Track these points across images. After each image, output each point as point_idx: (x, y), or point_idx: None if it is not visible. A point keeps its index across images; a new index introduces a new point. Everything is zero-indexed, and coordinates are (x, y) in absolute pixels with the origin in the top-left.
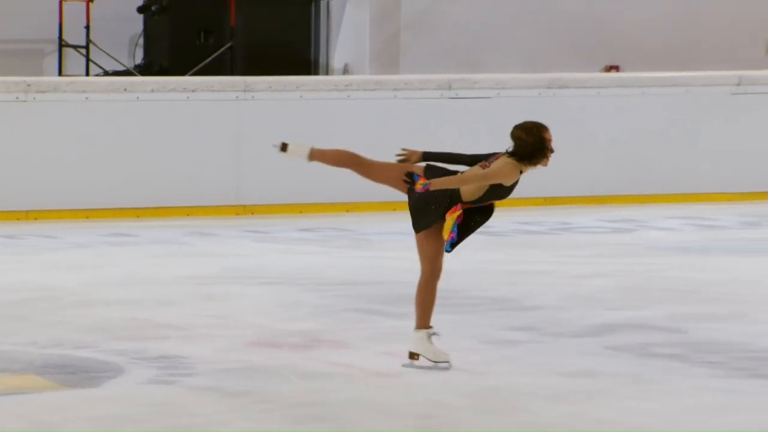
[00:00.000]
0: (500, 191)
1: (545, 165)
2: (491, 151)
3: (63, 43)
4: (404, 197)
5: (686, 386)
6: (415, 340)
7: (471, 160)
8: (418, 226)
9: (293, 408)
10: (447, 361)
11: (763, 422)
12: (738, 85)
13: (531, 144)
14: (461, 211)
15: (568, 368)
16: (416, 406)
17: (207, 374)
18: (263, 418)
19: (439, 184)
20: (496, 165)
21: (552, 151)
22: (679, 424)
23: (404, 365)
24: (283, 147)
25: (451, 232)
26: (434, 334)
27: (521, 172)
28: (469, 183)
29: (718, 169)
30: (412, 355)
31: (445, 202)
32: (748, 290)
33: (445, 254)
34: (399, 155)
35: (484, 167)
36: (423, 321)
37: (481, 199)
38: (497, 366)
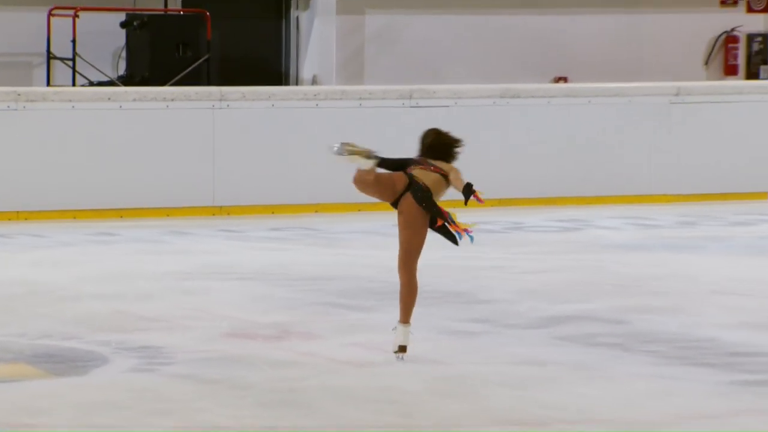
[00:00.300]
0: None
1: None
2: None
3: (51, 55)
4: (367, 198)
5: (628, 373)
6: (404, 333)
7: (393, 164)
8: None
9: (265, 394)
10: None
11: (699, 406)
12: (676, 95)
13: (450, 146)
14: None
15: (520, 357)
16: (379, 391)
17: (185, 363)
18: (237, 403)
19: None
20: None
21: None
22: (621, 408)
23: (399, 358)
24: (370, 155)
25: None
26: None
27: None
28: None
29: (658, 172)
30: (403, 348)
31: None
32: (686, 285)
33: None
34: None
35: (427, 168)
36: (409, 315)
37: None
38: (454, 355)
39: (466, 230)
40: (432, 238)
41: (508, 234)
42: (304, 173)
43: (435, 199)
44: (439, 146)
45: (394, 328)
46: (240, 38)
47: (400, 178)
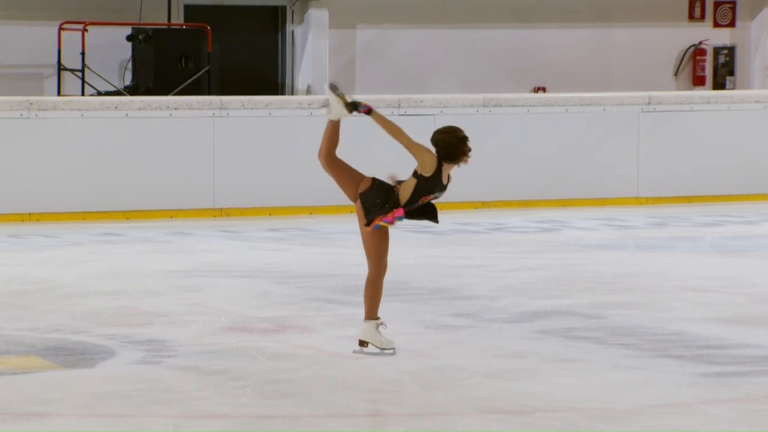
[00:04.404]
0: (427, 188)
1: (466, 162)
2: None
3: (61, 67)
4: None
5: (604, 364)
6: (364, 329)
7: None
8: (368, 220)
9: (263, 384)
10: (392, 348)
11: (670, 395)
12: (648, 104)
13: (451, 143)
14: (403, 213)
15: (502, 349)
16: (369, 382)
17: (187, 355)
18: (237, 393)
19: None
20: (423, 147)
21: (469, 148)
22: (598, 397)
23: (355, 351)
24: (348, 106)
25: (394, 217)
26: (381, 324)
27: (442, 169)
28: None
29: (630, 176)
30: (362, 343)
31: (391, 202)
32: (657, 281)
33: (390, 252)
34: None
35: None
36: (371, 313)
37: (412, 200)
38: (439, 348)
39: (393, 216)
40: (412, 237)
41: (490, 234)
42: (300, 177)
43: (403, 201)
44: (437, 143)
45: (381, 324)
46: (239, 51)
47: (366, 180)
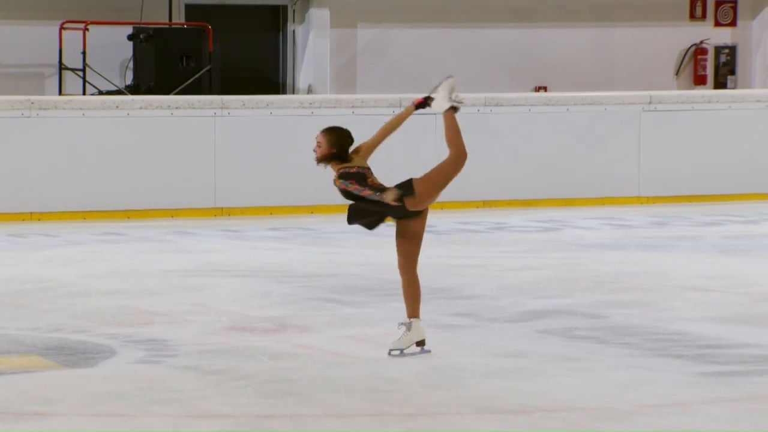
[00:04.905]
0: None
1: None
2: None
3: (62, 66)
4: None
5: (605, 364)
6: (421, 328)
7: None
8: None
9: (264, 384)
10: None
11: (671, 395)
12: (649, 103)
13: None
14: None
15: (503, 349)
16: (370, 381)
17: (188, 355)
18: (238, 393)
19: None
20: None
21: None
22: (599, 397)
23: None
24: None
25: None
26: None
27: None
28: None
29: (631, 175)
30: (422, 343)
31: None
32: (658, 281)
33: (390, 252)
34: None
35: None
36: (417, 310)
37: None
38: (441, 347)
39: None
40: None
41: (491, 234)
42: (301, 176)
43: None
44: (347, 145)
45: (403, 324)
46: (240, 50)
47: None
